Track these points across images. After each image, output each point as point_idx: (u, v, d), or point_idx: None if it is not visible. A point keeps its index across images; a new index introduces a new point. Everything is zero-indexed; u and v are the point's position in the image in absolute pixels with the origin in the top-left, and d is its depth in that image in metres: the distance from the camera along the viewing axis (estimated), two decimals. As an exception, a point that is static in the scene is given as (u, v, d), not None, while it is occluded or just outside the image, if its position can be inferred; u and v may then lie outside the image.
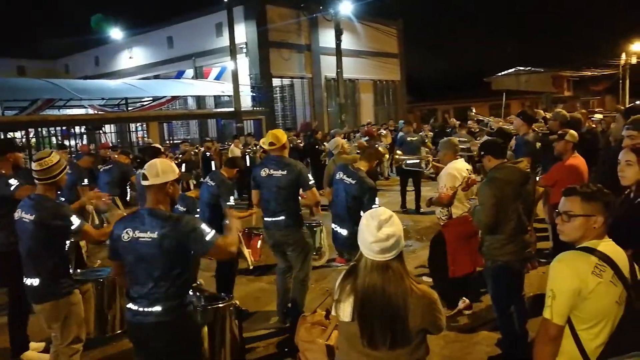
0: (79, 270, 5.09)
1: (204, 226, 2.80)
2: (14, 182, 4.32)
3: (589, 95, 48.74)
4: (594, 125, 10.43)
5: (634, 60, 38.58)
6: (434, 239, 5.19)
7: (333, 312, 2.21)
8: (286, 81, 22.72)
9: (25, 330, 4.49)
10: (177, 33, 24.06)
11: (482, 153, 4.01)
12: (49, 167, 3.50)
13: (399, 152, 8.63)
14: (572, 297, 2.08)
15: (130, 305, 2.83)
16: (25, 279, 3.58)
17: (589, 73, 42.93)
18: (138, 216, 2.83)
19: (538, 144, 5.91)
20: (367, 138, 12.46)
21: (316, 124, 20.30)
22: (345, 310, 2.08)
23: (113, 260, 2.98)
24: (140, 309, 2.78)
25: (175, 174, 2.91)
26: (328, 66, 22.30)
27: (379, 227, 2.00)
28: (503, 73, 46.89)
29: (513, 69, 46.46)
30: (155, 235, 2.72)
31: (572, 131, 5.31)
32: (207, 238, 2.77)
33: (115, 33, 25.23)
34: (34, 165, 3.51)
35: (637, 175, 2.82)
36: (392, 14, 27.05)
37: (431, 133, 14.84)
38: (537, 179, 6.09)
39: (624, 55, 38.82)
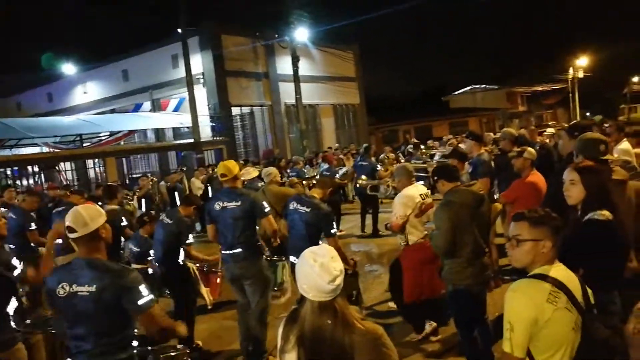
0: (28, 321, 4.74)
1: (143, 287, 2.58)
2: None
3: (542, 109, 50.64)
4: (546, 140, 10.81)
5: (581, 74, 40.45)
6: (392, 266, 5.16)
7: None
8: (245, 109, 22.63)
9: None
10: (133, 66, 23.73)
11: (436, 178, 4.02)
12: None
13: (363, 177, 8.80)
14: (530, 327, 2.04)
15: None
16: None
17: (540, 88, 44.76)
18: (74, 268, 2.63)
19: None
20: (326, 165, 12.66)
21: (278, 152, 20.27)
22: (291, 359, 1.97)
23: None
24: None
25: (104, 216, 2.73)
26: (287, 93, 22.35)
27: (332, 265, 1.92)
28: (459, 92, 48.24)
29: (469, 87, 47.87)
30: (93, 288, 2.54)
31: (530, 148, 5.45)
32: (140, 302, 2.55)
33: (69, 68, 24.75)
34: None
35: (581, 194, 2.83)
36: (348, 39, 27.53)
37: (392, 155, 15.01)
38: (495, 197, 6.17)
39: (571, 70, 40.66)
